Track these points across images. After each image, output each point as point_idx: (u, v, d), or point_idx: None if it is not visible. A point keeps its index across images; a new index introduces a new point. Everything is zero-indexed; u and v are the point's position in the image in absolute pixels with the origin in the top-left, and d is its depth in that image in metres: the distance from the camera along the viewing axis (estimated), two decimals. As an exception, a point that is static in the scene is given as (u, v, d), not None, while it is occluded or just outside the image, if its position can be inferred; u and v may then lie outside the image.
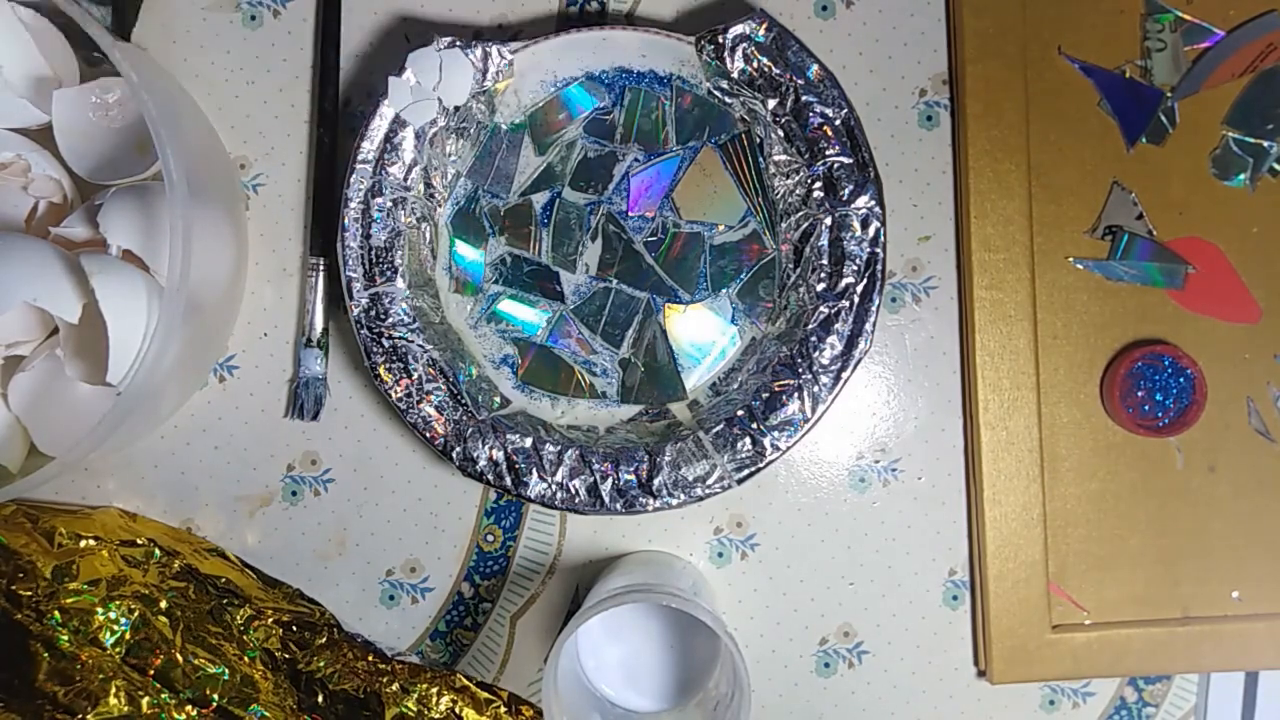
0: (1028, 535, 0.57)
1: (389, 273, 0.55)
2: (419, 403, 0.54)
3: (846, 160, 0.54)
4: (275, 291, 0.59)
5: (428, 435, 0.55)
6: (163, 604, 0.54)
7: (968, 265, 0.58)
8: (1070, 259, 0.59)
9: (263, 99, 0.59)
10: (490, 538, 0.60)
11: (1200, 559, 0.58)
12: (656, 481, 0.55)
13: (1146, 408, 0.58)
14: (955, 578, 0.60)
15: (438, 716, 0.54)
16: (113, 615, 0.53)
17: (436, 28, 0.59)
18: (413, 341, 0.55)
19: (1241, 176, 0.59)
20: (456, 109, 0.55)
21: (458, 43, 0.54)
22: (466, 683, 0.55)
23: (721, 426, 0.55)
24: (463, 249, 0.58)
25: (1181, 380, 0.57)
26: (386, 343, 0.54)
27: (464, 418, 0.55)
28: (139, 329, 0.50)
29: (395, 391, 0.54)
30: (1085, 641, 0.57)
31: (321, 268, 0.58)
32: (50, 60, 0.55)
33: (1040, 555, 0.57)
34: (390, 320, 0.54)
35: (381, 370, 0.54)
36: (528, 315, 0.58)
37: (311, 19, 0.59)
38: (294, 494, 0.59)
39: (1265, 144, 0.58)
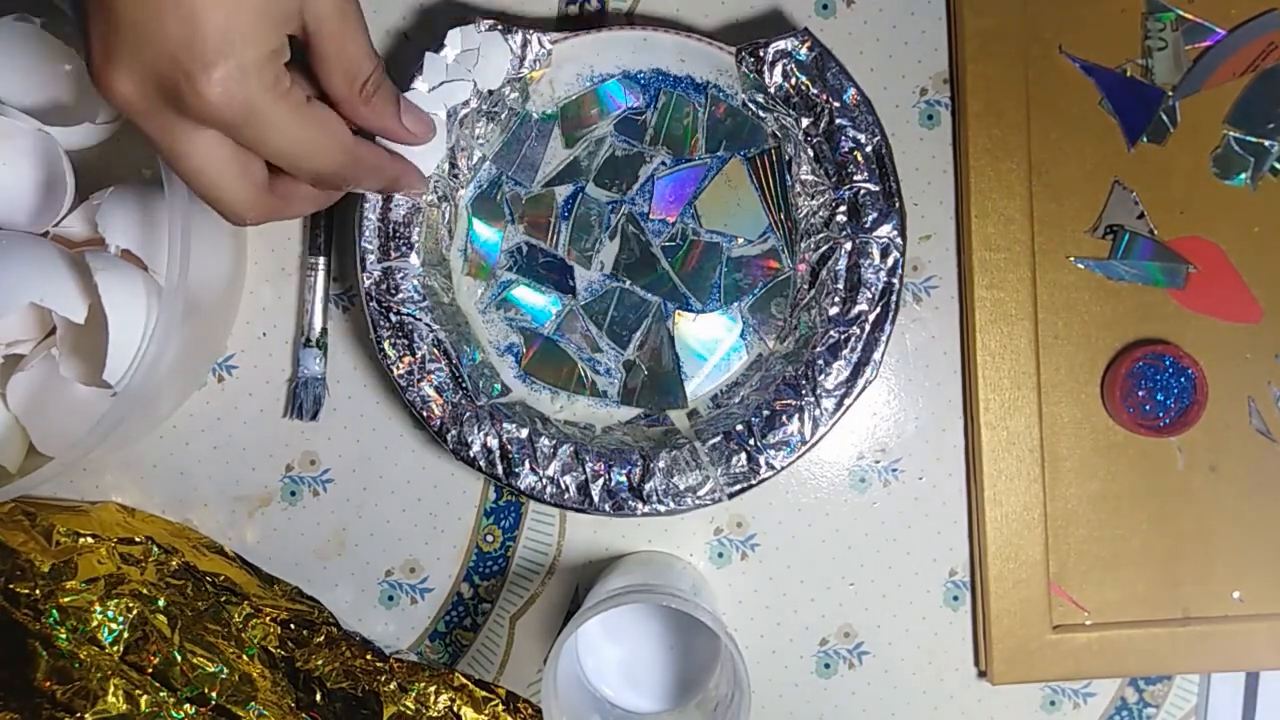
0: (1028, 535, 0.57)
1: (404, 248, 0.54)
2: (419, 381, 0.54)
3: (874, 188, 0.54)
4: (274, 291, 0.59)
5: (424, 415, 0.54)
6: (161, 602, 0.54)
7: (969, 264, 0.58)
8: (1071, 258, 0.58)
9: (262, 98, 0.59)
10: (490, 538, 0.60)
11: (1201, 559, 0.58)
12: (648, 487, 0.54)
13: (1147, 407, 0.57)
14: (956, 578, 0.59)
15: (436, 715, 0.54)
16: (111, 614, 0.53)
17: (436, 21, 0.59)
18: (420, 320, 0.54)
19: (1243, 176, 0.58)
20: (490, 92, 0.54)
21: (498, 26, 0.54)
22: (465, 681, 0.55)
23: (719, 439, 0.55)
24: (480, 229, 0.58)
25: (1182, 380, 0.57)
26: (394, 318, 0.54)
27: (463, 401, 0.55)
28: (138, 329, 0.50)
29: (398, 368, 0.54)
30: (1086, 642, 0.57)
31: (320, 267, 0.58)
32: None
33: (1041, 555, 0.57)
34: (400, 296, 0.54)
35: (386, 345, 0.54)
36: (538, 301, 0.58)
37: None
38: (293, 494, 0.59)
39: (1266, 143, 0.58)
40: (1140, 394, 0.57)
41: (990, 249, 0.57)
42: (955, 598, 0.60)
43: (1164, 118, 0.58)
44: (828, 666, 0.60)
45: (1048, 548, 0.57)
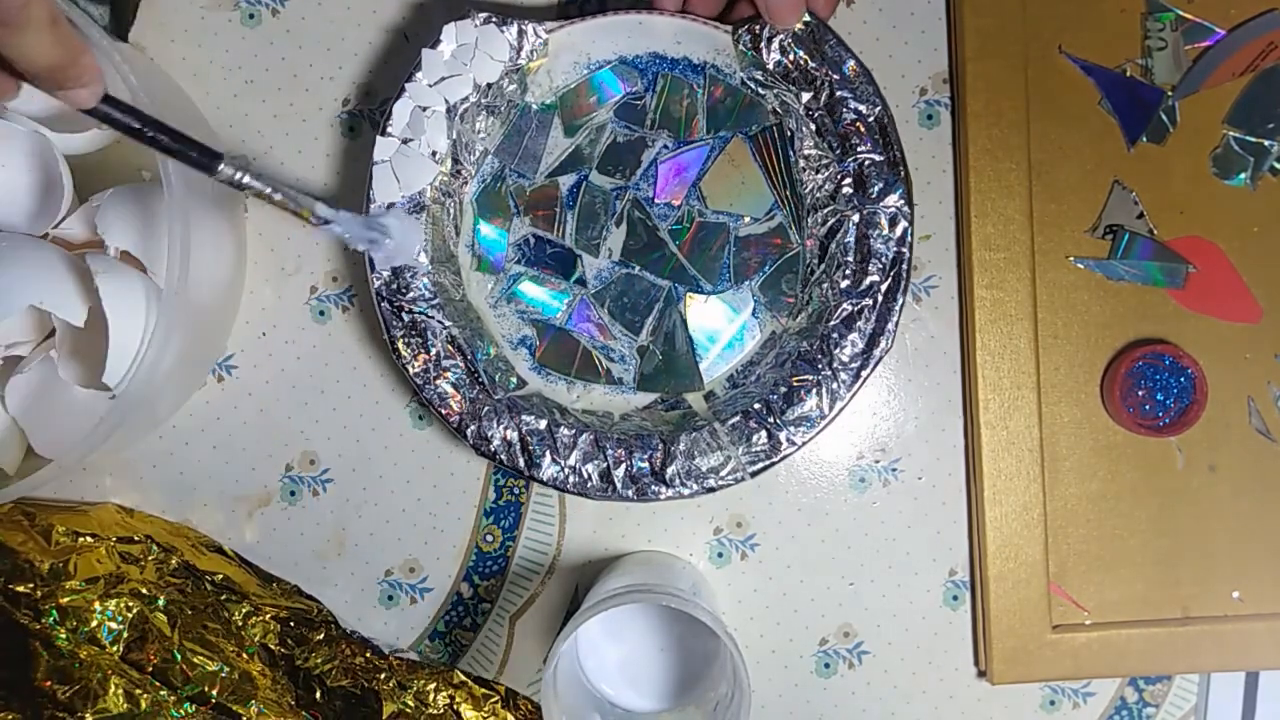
0: (1028, 535, 0.57)
1: None
2: (436, 379, 0.54)
3: (877, 158, 0.54)
4: (274, 291, 0.59)
5: (443, 412, 0.54)
6: (160, 601, 0.54)
7: (968, 264, 0.58)
8: (1071, 258, 0.58)
9: (261, 98, 0.59)
10: (489, 538, 0.60)
11: (1201, 559, 0.58)
12: (670, 470, 0.54)
13: (1147, 407, 0.57)
14: (955, 578, 0.59)
15: (435, 712, 0.54)
16: (110, 613, 0.53)
17: (435, 18, 0.58)
18: (432, 318, 0.54)
19: (1242, 176, 0.58)
20: (488, 85, 0.54)
21: (493, 18, 0.53)
22: (464, 678, 0.55)
23: (738, 419, 0.54)
24: (485, 229, 0.58)
25: (1182, 380, 0.57)
26: (406, 317, 0.54)
27: (480, 396, 0.54)
28: (137, 331, 0.50)
29: (413, 366, 0.54)
30: (1086, 642, 0.57)
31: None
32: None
33: (1040, 555, 0.57)
34: (411, 295, 0.54)
35: (400, 345, 0.54)
36: (549, 293, 0.58)
37: (310, 17, 0.59)
38: (292, 494, 0.59)
39: (1266, 143, 0.58)
40: (1140, 394, 0.57)
41: (990, 249, 0.57)
42: (955, 597, 0.60)
43: (1164, 118, 0.58)
44: (828, 666, 0.60)
45: (1048, 548, 0.57)
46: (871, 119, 0.54)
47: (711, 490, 0.54)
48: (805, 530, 0.59)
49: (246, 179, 0.46)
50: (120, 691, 0.52)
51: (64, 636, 0.52)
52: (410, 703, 0.54)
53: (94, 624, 0.53)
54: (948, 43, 0.59)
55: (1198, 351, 0.58)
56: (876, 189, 0.54)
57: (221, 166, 0.45)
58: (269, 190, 0.47)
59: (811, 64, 0.54)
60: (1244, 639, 0.58)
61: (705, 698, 0.55)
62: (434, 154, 0.54)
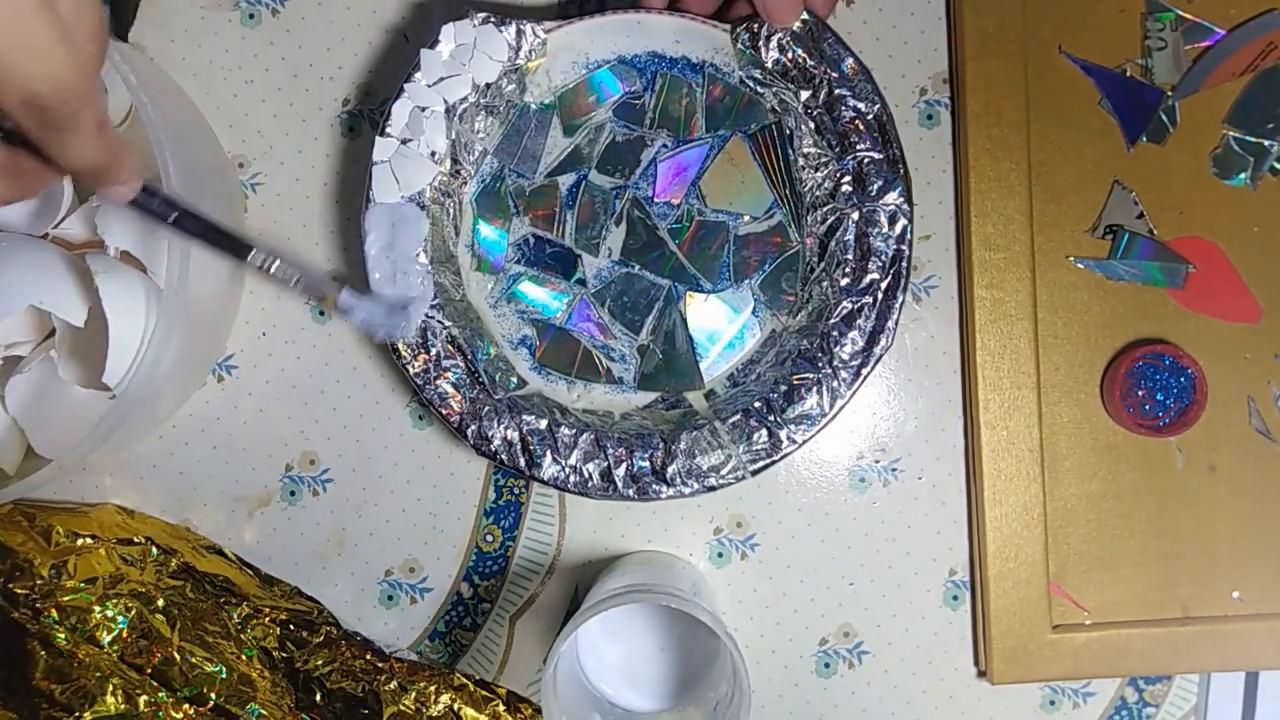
0: (1028, 535, 0.57)
1: None
2: (436, 379, 0.54)
3: (877, 155, 0.54)
4: (274, 291, 0.59)
5: (443, 412, 0.54)
6: (160, 602, 0.54)
7: (968, 264, 0.58)
8: (1071, 258, 0.58)
9: (261, 98, 0.59)
10: (489, 538, 0.60)
11: (1201, 559, 0.58)
12: (670, 469, 0.54)
13: (1147, 407, 0.57)
14: (955, 578, 0.59)
15: (436, 714, 0.54)
16: (110, 613, 0.53)
17: (434, 18, 0.58)
18: (432, 318, 0.54)
19: (1242, 175, 0.58)
20: (487, 85, 0.54)
21: (492, 18, 0.53)
22: (465, 681, 0.55)
23: (738, 417, 0.54)
24: (485, 230, 0.57)
25: (1182, 380, 0.57)
26: None
27: (480, 396, 0.54)
28: (137, 331, 0.50)
29: (413, 366, 0.54)
30: (1086, 642, 0.57)
31: None
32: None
33: (1040, 555, 0.57)
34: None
35: (400, 344, 0.54)
36: (548, 293, 0.58)
37: (310, 17, 0.59)
38: (292, 494, 0.59)
39: (1266, 143, 0.58)
40: (1140, 394, 0.57)
41: (990, 249, 0.57)
42: (955, 597, 0.60)
43: (1163, 118, 0.58)
44: (828, 666, 0.60)
45: (1047, 548, 0.57)
46: (870, 116, 0.54)
47: (712, 489, 0.54)
48: (805, 530, 0.59)
49: (273, 268, 0.45)
50: (119, 692, 0.52)
51: (63, 637, 0.52)
52: (410, 705, 0.54)
53: (93, 624, 0.53)
54: (948, 43, 0.59)
55: (1198, 351, 0.58)
56: (876, 187, 0.54)
57: (251, 256, 0.44)
58: (295, 279, 0.46)
59: (810, 62, 0.54)
60: (1244, 639, 0.58)
61: (705, 698, 0.55)
62: (433, 154, 0.54)
